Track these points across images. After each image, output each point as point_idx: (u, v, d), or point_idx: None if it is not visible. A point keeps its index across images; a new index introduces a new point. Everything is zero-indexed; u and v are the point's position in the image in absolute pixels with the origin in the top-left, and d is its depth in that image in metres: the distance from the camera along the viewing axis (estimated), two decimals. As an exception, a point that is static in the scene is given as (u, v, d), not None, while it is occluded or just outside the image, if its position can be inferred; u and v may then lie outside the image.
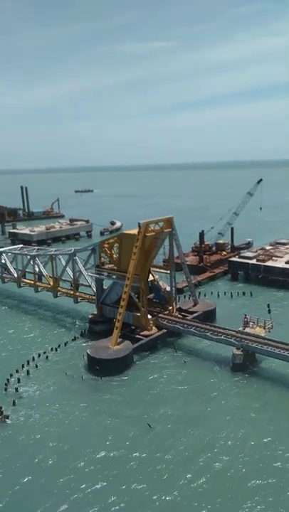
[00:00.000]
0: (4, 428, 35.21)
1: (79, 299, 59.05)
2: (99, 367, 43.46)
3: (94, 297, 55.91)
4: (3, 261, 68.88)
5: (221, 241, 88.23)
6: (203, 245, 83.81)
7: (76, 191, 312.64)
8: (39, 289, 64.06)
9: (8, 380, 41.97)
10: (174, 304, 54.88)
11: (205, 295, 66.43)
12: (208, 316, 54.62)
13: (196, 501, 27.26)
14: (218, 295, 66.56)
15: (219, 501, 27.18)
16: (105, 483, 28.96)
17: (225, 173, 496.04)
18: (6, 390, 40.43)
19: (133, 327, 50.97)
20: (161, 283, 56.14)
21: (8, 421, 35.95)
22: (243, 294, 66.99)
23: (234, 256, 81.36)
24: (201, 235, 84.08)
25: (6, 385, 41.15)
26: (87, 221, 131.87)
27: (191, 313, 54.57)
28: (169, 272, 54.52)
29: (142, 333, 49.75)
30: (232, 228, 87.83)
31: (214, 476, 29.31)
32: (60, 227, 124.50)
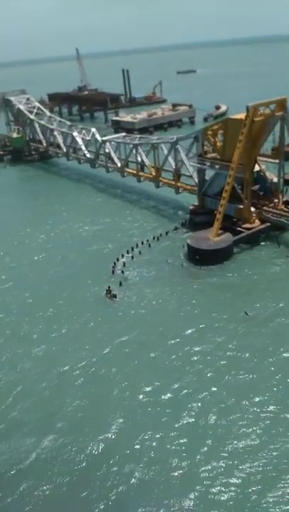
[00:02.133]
0: (113, 305, 39.41)
1: (180, 189, 58.68)
2: (199, 257, 44.54)
3: (195, 188, 54.96)
4: (107, 150, 69.84)
5: None
6: None
7: (178, 72, 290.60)
8: (141, 178, 64.79)
9: (114, 263, 45.57)
10: (281, 197, 51.54)
11: (317, 187, 60.87)
12: None
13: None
14: None
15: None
16: (200, 366, 31.60)
17: None
18: (113, 272, 44.22)
19: (235, 219, 49.91)
20: (267, 173, 52.43)
21: (116, 299, 40.00)
22: None
23: None
24: None
25: (113, 267, 44.87)
26: (190, 106, 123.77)
27: (299, 206, 51.05)
28: (277, 161, 50.21)
29: (243, 226, 48.64)
30: None
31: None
32: (162, 113, 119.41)
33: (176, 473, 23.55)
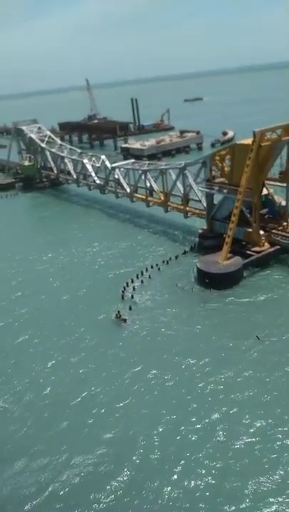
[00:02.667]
0: (123, 329, 39.27)
1: (189, 213, 59.18)
2: (208, 280, 44.44)
3: (204, 212, 55.40)
4: (116, 176, 71.13)
5: None
6: None
7: (185, 100, 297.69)
8: (150, 203, 65.58)
9: (124, 288, 45.64)
10: (290, 220, 51.66)
11: None
12: None
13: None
14: None
15: None
16: (210, 386, 31.08)
17: None
18: (123, 297, 44.22)
19: (244, 243, 49.95)
20: (276, 197, 52.74)
21: (125, 323, 39.87)
22: None
23: None
24: None
25: (122, 292, 44.91)
26: (198, 132, 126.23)
27: (309, 229, 50.99)
28: (285, 185, 50.57)
29: (253, 249, 48.62)
30: None
31: None
32: (170, 140, 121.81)
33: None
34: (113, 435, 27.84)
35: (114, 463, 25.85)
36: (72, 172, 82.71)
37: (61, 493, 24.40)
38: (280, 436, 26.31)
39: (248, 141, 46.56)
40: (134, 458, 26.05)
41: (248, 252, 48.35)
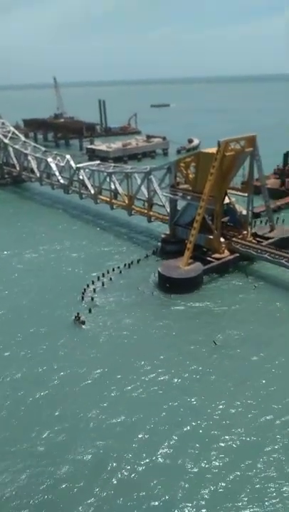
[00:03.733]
0: (81, 332, 38.77)
1: (152, 218, 59.54)
2: (169, 285, 44.83)
3: (167, 217, 55.93)
4: (81, 177, 70.39)
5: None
6: (286, 167, 77.89)
7: (152, 105, 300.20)
8: (114, 206, 65.41)
9: (84, 289, 45.12)
10: (249, 229, 53.22)
11: (283, 221, 63.25)
12: (285, 243, 52.32)
13: (261, 409, 28.69)
14: (298, 222, 63.04)
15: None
16: (166, 389, 31.29)
17: None
18: (82, 298, 43.71)
19: (205, 249, 50.88)
20: (237, 206, 54.17)
21: (84, 326, 39.38)
22: None
23: None
24: (286, 156, 77.75)
25: (83, 294, 44.38)
26: (164, 138, 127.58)
27: (267, 238, 52.70)
28: (246, 194, 52.10)
29: (213, 256, 49.62)
30: None
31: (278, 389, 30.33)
32: (137, 144, 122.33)
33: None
34: (63, 437, 27.38)
35: (55, 464, 25.39)
36: (35, 170, 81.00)
37: None
38: (228, 437, 26.91)
39: (213, 150, 47.56)
40: (88, 457, 25.74)
41: (209, 258, 49.29)
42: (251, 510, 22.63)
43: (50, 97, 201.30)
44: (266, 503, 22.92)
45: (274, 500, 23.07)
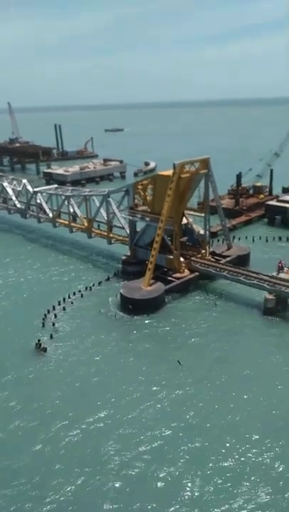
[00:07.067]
0: (42, 359, 37.61)
1: (112, 240, 59.66)
2: (131, 306, 44.72)
3: (127, 239, 56.27)
4: (38, 201, 69.64)
5: (259, 184, 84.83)
6: (240, 188, 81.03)
7: (106, 130, 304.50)
8: (74, 229, 65.01)
9: (45, 315, 44.08)
10: (208, 248, 54.49)
11: (239, 239, 65.40)
12: (242, 261, 54.08)
13: (229, 429, 28.77)
14: (253, 239, 65.33)
15: (258, 427, 28.57)
16: (134, 413, 30.84)
17: (269, 109, 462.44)
18: (43, 325, 42.61)
19: (165, 269, 51.42)
20: (194, 226, 55.50)
21: (45, 353, 38.25)
22: (279, 238, 65.41)
23: (272, 199, 78.48)
24: (239, 177, 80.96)
25: (43, 320, 43.31)
26: (121, 161, 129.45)
27: (225, 257, 54.15)
28: (203, 215, 53.59)
29: (174, 276, 50.21)
30: (271, 170, 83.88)
31: (248, 403, 30.61)
32: (94, 167, 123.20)
33: None
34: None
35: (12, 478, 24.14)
36: (-10, 195, 79.30)
37: None
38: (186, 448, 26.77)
39: (169, 172, 48.80)
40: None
41: (170, 278, 49.82)
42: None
43: (4, 122, 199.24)
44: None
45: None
